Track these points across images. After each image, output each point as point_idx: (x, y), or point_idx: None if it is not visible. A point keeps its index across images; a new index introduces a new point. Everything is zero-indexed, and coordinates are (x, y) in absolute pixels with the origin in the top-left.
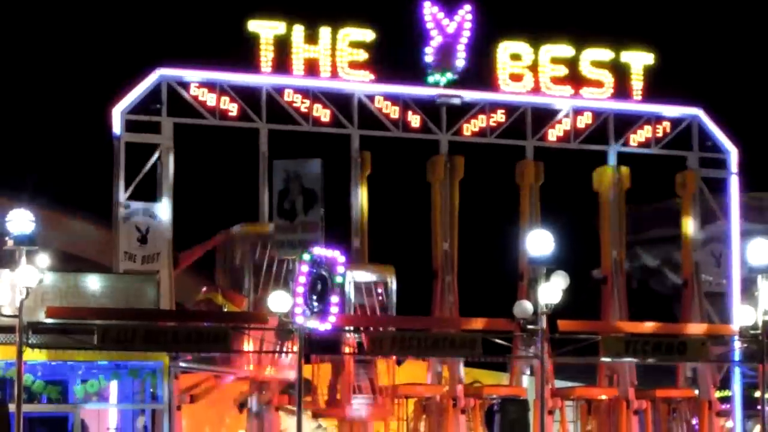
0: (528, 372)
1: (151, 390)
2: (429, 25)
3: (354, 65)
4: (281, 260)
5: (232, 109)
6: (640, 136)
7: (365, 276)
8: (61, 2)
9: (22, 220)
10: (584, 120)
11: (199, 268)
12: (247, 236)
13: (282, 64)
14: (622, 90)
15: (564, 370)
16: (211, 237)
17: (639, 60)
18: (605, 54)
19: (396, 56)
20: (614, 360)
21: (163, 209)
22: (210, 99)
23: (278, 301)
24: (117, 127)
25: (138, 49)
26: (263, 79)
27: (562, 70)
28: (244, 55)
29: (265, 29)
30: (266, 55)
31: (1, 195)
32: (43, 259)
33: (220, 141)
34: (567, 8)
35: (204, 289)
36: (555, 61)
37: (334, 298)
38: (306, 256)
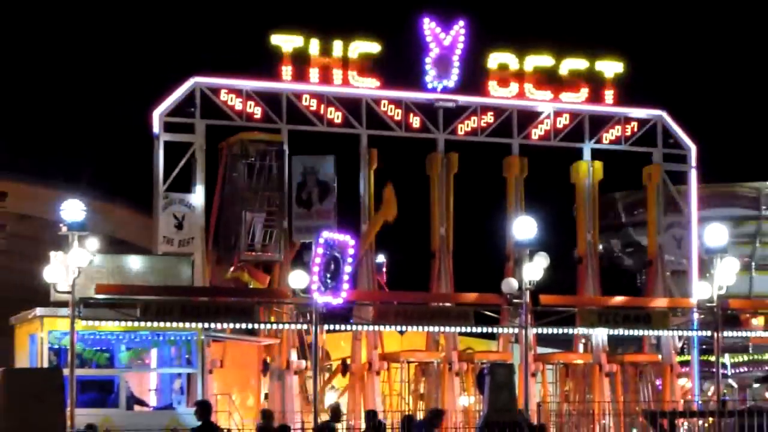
0: (514, 340)
1: (187, 356)
2: (428, 39)
3: (362, 73)
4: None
5: (257, 112)
6: (611, 134)
7: None
8: (108, 23)
9: (74, 209)
10: (563, 121)
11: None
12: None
13: (300, 72)
14: (595, 94)
15: (545, 338)
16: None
17: (611, 68)
18: (581, 63)
19: (399, 65)
20: (589, 329)
21: (197, 199)
22: (237, 103)
23: (297, 279)
24: (156, 127)
25: (175, 60)
26: (283, 85)
27: (544, 78)
28: (267, 64)
29: (285, 42)
30: (286, 64)
31: (57, 187)
32: (93, 242)
33: None
34: (548, 23)
35: (232, 268)
36: (537, 69)
37: (346, 276)
38: (321, 240)
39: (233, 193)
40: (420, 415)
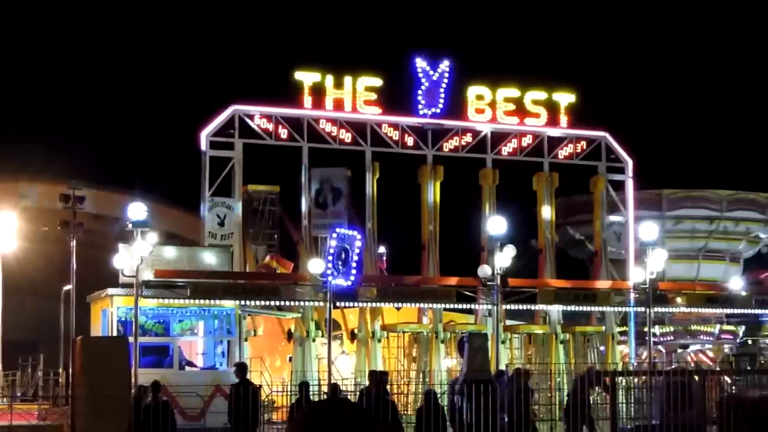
0: (487, 314)
1: (227, 327)
2: (419, 74)
3: (367, 102)
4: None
5: (283, 133)
6: (565, 151)
7: None
8: (165, 66)
9: (138, 210)
10: (527, 140)
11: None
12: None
13: (318, 101)
14: (552, 119)
15: (512, 312)
16: None
17: (565, 99)
18: (541, 95)
19: (396, 96)
20: (547, 306)
21: (235, 202)
22: (268, 126)
23: (315, 266)
24: (204, 145)
25: (218, 92)
26: (305, 112)
27: (512, 106)
28: (292, 95)
29: (306, 77)
30: (307, 95)
31: (125, 192)
32: (152, 237)
33: (275, 155)
34: (515, 62)
35: (261, 257)
36: (506, 99)
37: (354, 264)
38: (334, 235)
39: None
40: (413, 375)
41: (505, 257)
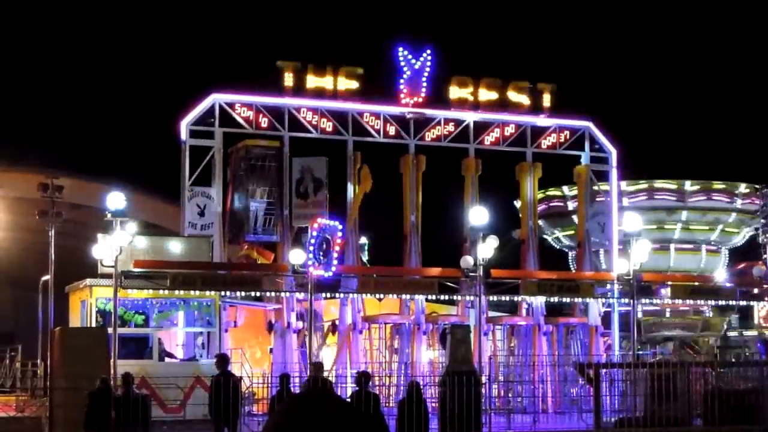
0: (470, 305)
1: (207, 318)
2: (401, 63)
3: (349, 91)
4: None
5: (264, 122)
6: (548, 141)
7: None
8: (144, 57)
9: (117, 200)
10: (509, 130)
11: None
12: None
13: (299, 90)
14: (536, 109)
15: (495, 304)
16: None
17: (548, 88)
18: (524, 83)
19: (378, 84)
20: (530, 297)
21: (215, 192)
22: (249, 115)
23: (296, 256)
24: (183, 134)
25: (198, 81)
26: (286, 101)
27: (494, 95)
28: (273, 83)
29: (287, 66)
30: (288, 83)
31: (103, 182)
32: (131, 226)
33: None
34: (498, 49)
35: (246, 247)
36: (489, 88)
37: (335, 254)
38: (315, 225)
39: (240, 187)
40: (394, 367)
41: (487, 248)
